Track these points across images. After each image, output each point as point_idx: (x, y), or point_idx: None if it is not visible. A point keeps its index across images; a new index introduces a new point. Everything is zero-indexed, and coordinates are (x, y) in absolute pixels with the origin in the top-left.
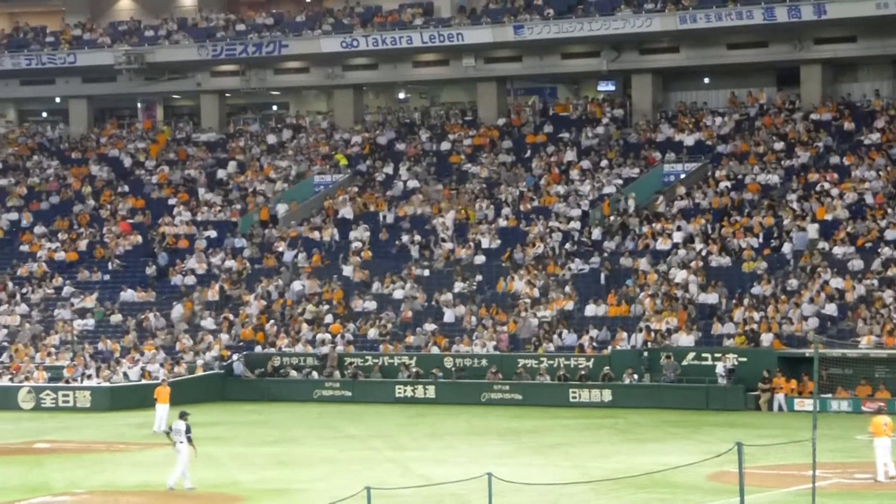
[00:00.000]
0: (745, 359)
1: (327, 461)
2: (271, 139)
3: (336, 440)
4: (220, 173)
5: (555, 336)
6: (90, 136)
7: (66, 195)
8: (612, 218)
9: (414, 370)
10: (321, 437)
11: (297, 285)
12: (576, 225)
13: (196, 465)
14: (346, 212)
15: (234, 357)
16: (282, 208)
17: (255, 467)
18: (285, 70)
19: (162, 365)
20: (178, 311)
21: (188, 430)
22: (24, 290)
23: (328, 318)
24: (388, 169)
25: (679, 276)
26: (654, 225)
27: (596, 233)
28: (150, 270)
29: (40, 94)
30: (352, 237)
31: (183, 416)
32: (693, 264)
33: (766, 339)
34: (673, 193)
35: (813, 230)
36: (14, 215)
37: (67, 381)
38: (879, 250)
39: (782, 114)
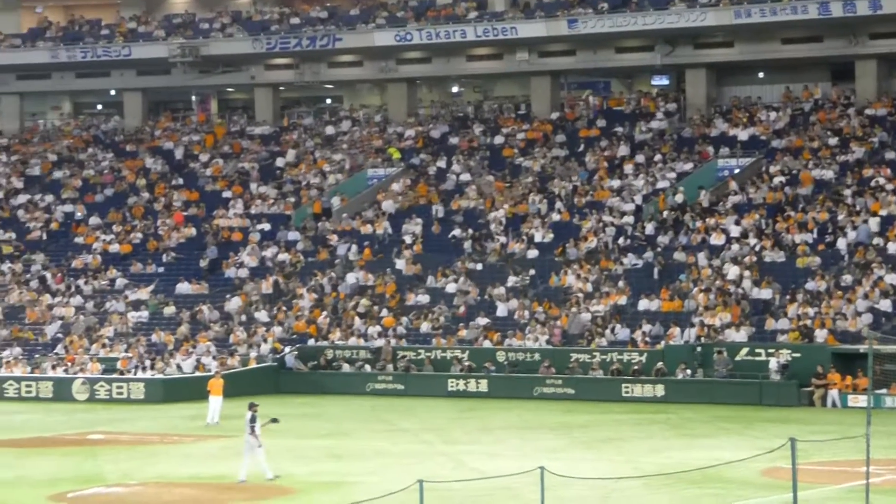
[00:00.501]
0: (798, 354)
1: (380, 454)
2: (325, 132)
3: (389, 433)
4: (274, 166)
5: (607, 331)
6: (144, 129)
7: (120, 187)
8: (665, 213)
9: (466, 364)
10: (374, 431)
11: (350, 278)
12: (629, 219)
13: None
14: (399, 205)
15: (287, 350)
16: (335, 201)
17: (309, 460)
18: (339, 63)
19: (215, 357)
20: (235, 303)
21: (252, 420)
22: (78, 282)
23: (381, 312)
24: (441, 163)
25: (732, 271)
26: (707, 220)
27: (649, 227)
28: (204, 263)
29: (95, 86)
30: (404, 231)
31: (250, 407)
32: (747, 259)
33: (820, 334)
34: (726, 188)
35: (874, 224)
36: (69, 207)
37: (121, 373)
38: None
39: (837, 109)
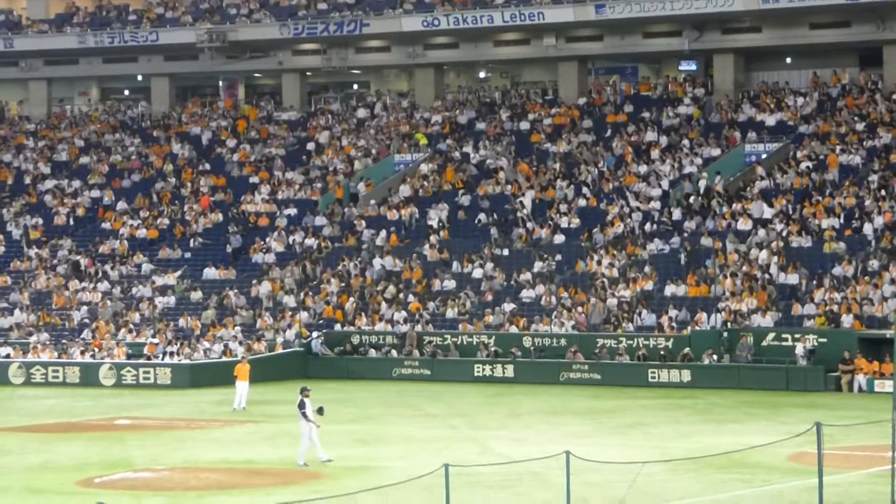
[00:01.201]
0: (825, 340)
1: (407, 439)
2: (352, 118)
3: (415, 418)
4: (301, 152)
5: (634, 316)
6: (172, 115)
7: (147, 173)
8: (692, 198)
9: (492, 349)
10: (400, 416)
11: (376, 264)
12: (656, 205)
13: (277, 443)
14: (426, 191)
15: (314, 335)
16: (362, 187)
17: (335, 445)
18: (366, 49)
19: (242, 343)
20: (262, 288)
21: (301, 405)
22: (105, 268)
23: (408, 297)
24: (468, 148)
25: (759, 256)
26: (734, 205)
27: (676, 213)
28: (229, 249)
29: (123, 72)
30: (431, 216)
31: (301, 391)
32: (773, 245)
33: (847, 320)
34: (754, 173)
35: None
36: (96, 193)
37: (148, 358)
38: None
39: (865, 94)
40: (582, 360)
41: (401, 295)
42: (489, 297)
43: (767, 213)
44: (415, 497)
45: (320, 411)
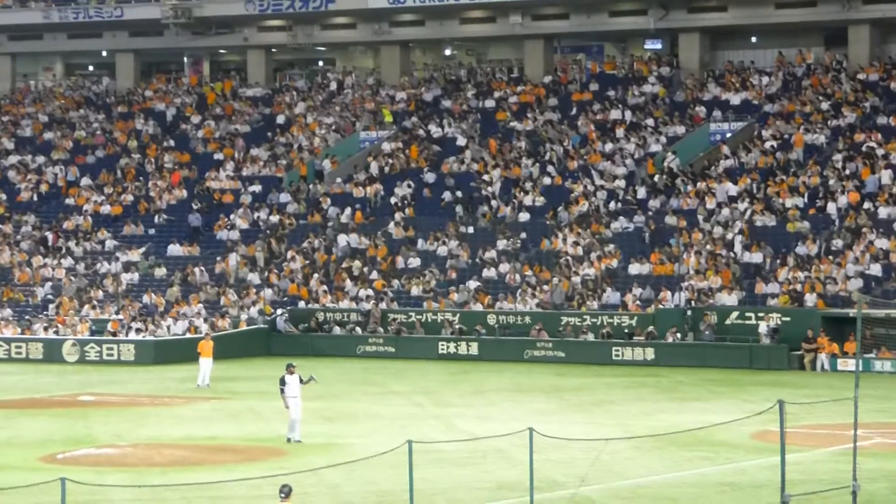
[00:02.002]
0: (788, 318)
1: (371, 417)
2: (317, 95)
3: (380, 396)
4: (266, 129)
5: (599, 294)
6: (136, 91)
7: (111, 149)
8: (657, 177)
9: (457, 327)
10: (365, 393)
11: (341, 241)
12: (621, 183)
13: (241, 419)
14: (391, 168)
15: (278, 312)
16: (327, 164)
17: (300, 422)
18: (332, 26)
19: (206, 319)
20: (232, 261)
21: (281, 382)
22: (69, 244)
23: (372, 275)
24: (434, 126)
25: (724, 235)
26: (699, 184)
27: (641, 191)
28: (196, 224)
29: (87, 47)
30: (396, 194)
31: (290, 368)
32: (737, 224)
33: (810, 299)
34: (718, 152)
35: (886, 176)
36: (60, 168)
37: (112, 335)
38: None
39: (829, 74)
40: (546, 338)
41: (365, 272)
42: (453, 275)
43: (732, 191)
44: (379, 474)
45: (310, 380)
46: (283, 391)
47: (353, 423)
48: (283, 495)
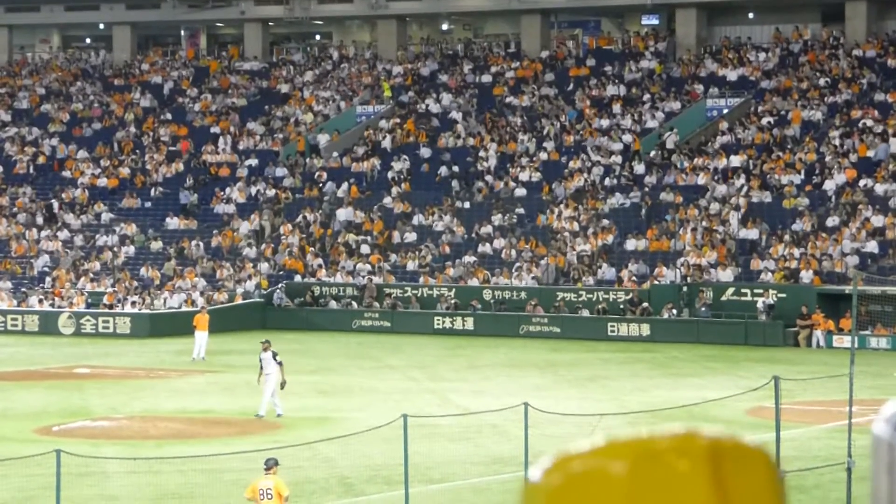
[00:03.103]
0: (784, 295)
1: (367, 391)
2: (314, 69)
3: (376, 370)
4: (263, 102)
5: (595, 269)
6: (133, 63)
7: (108, 122)
8: (653, 152)
9: (453, 302)
10: (361, 367)
11: (338, 215)
12: (617, 159)
13: (236, 392)
14: (388, 143)
15: (278, 287)
16: (323, 138)
17: (295, 396)
18: (329, 0)
19: (202, 293)
20: (222, 238)
21: (275, 356)
22: (65, 217)
23: (368, 249)
24: (430, 100)
25: (719, 211)
26: (695, 160)
27: (637, 167)
28: (193, 198)
29: (84, 20)
30: (392, 169)
31: (266, 345)
32: (734, 200)
33: (806, 275)
34: (715, 128)
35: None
36: (56, 141)
37: (108, 308)
38: None
39: (826, 50)
40: (542, 314)
41: (362, 247)
42: (449, 250)
43: (726, 168)
44: (374, 448)
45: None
46: (261, 367)
47: (348, 397)
48: (266, 468)
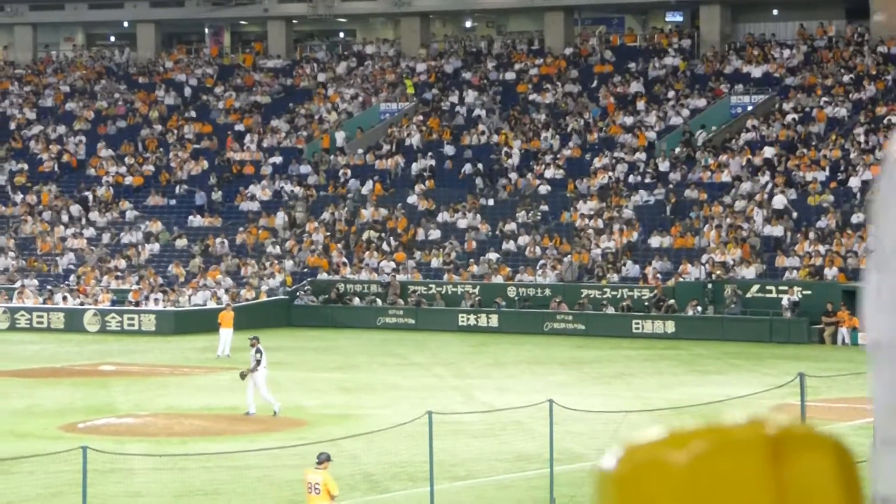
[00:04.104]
0: (809, 292)
1: (391, 388)
2: (337, 67)
3: (399, 367)
4: (287, 100)
5: (619, 266)
6: (157, 61)
7: (132, 120)
8: (677, 149)
9: (477, 299)
10: (384, 364)
11: (362, 213)
12: (641, 156)
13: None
14: (412, 140)
15: (303, 283)
16: (347, 136)
17: (319, 392)
18: None
19: (227, 290)
20: (246, 236)
21: (257, 353)
22: (90, 214)
23: (392, 247)
24: (454, 98)
25: (744, 208)
26: (720, 157)
27: (661, 164)
28: (216, 196)
29: (108, 18)
30: (416, 166)
31: (253, 341)
32: (758, 197)
33: (831, 272)
34: (740, 125)
35: None
36: (81, 139)
37: (136, 304)
38: None
39: (851, 47)
40: (566, 311)
41: (385, 244)
42: (473, 247)
43: (751, 165)
44: (398, 444)
45: (242, 376)
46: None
47: (373, 394)
48: (317, 463)
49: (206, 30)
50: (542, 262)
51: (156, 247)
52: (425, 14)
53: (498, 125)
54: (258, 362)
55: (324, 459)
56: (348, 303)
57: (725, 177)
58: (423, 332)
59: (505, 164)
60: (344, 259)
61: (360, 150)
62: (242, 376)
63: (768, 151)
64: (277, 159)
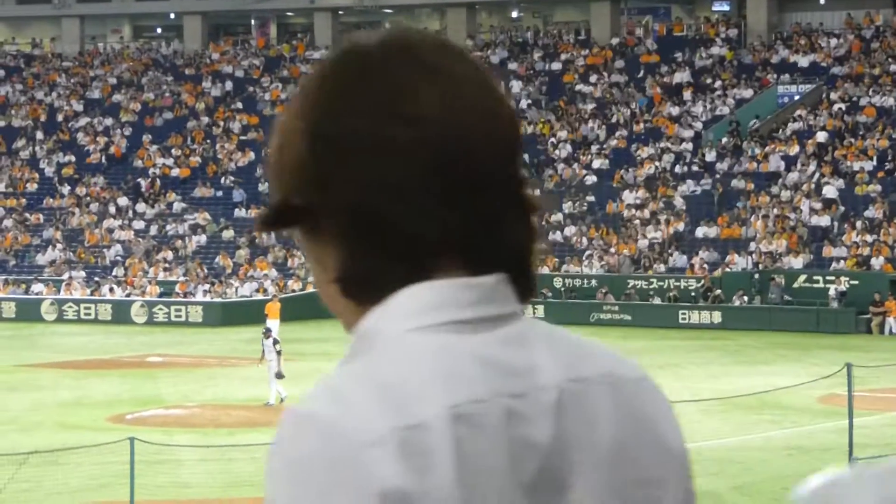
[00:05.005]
0: (856, 282)
1: None
2: None
3: None
4: None
5: (666, 257)
6: (204, 53)
7: (179, 111)
8: (724, 139)
9: None
10: None
11: None
12: (688, 146)
13: (308, 380)
14: None
15: None
16: None
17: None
18: None
19: (274, 281)
20: None
21: (276, 344)
22: (137, 206)
23: None
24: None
25: (791, 198)
26: (767, 147)
27: (708, 154)
28: (263, 187)
29: (155, 10)
30: None
31: (267, 333)
32: (805, 186)
33: (878, 262)
34: (787, 115)
35: None
36: (128, 131)
37: (185, 296)
38: None
39: None
40: (612, 301)
41: None
42: None
43: (798, 155)
44: None
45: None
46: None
47: None
48: None
49: (253, 21)
50: (588, 252)
51: (203, 238)
52: (471, 4)
53: (544, 115)
54: (279, 352)
55: None
56: None
57: (773, 167)
58: None
59: (552, 154)
60: None
61: None
62: (279, 376)
63: (816, 141)
64: None
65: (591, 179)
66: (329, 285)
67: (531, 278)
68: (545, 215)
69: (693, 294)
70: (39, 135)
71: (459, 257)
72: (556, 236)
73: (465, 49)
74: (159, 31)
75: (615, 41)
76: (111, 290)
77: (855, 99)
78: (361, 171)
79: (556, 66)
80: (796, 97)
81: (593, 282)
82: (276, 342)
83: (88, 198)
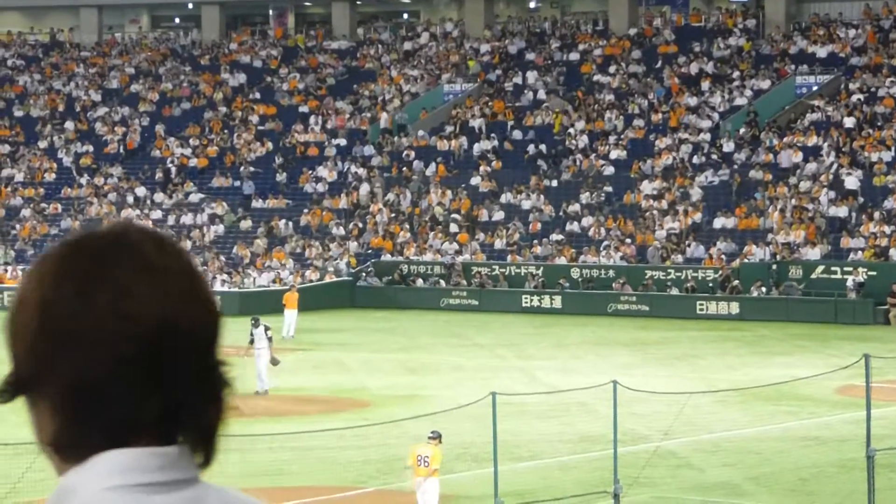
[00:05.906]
0: (874, 273)
1: (454, 368)
2: (402, 48)
3: (463, 348)
4: (351, 81)
5: (683, 247)
6: (222, 43)
7: (197, 101)
8: (742, 130)
9: (540, 280)
10: (448, 345)
11: (425, 194)
12: (706, 137)
13: (326, 370)
14: (476, 121)
15: (367, 266)
16: (411, 117)
17: (383, 373)
18: None
19: (291, 271)
20: (311, 217)
21: (267, 331)
22: (155, 196)
23: (455, 228)
24: (518, 78)
25: (809, 189)
26: (784, 138)
27: (726, 145)
28: (281, 177)
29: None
30: (478, 147)
31: (256, 322)
32: (823, 177)
33: (895, 253)
34: (805, 106)
35: None
36: (146, 121)
37: None
38: None
39: None
40: (630, 292)
41: (450, 226)
42: (537, 228)
43: (816, 146)
44: (462, 425)
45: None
46: (253, 342)
47: (436, 374)
48: (430, 437)
49: (271, 11)
50: (605, 243)
51: (220, 228)
52: None
53: (561, 106)
54: (270, 339)
55: (436, 436)
56: (411, 284)
57: (791, 157)
58: (486, 313)
59: (569, 144)
60: (408, 240)
61: (424, 131)
62: (274, 363)
63: (834, 132)
64: (341, 141)
65: (609, 170)
66: (44, 444)
67: (214, 449)
68: (562, 206)
69: (711, 285)
70: (58, 125)
71: (155, 430)
72: (574, 227)
73: (177, 244)
74: (177, 20)
75: (633, 31)
76: None
77: (873, 89)
78: (78, 356)
79: (574, 56)
80: (814, 88)
81: (611, 272)
82: (267, 329)
83: (106, 187)
